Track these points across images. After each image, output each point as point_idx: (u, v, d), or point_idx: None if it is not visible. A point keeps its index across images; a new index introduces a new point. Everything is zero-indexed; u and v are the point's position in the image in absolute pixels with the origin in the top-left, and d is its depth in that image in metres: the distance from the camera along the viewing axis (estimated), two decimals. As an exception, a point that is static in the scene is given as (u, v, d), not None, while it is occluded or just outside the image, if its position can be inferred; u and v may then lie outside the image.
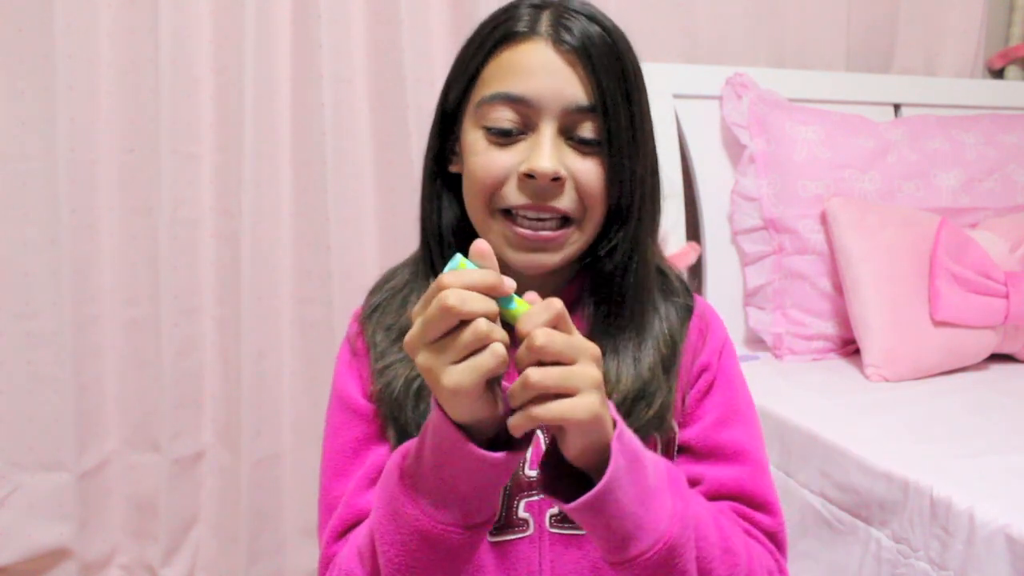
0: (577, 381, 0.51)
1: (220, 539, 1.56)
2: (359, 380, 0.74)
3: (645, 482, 0.56)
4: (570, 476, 0.56)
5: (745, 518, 0.70)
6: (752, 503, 0.71)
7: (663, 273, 0.76)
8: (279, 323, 1.54)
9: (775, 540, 0.71)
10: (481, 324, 0.49)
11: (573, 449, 0.54)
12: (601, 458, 0.54)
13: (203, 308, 1.52)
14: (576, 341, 0.52)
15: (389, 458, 0.62)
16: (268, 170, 1.49)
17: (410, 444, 0.59)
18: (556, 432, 0.54)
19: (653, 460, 0.59)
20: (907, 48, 1.94)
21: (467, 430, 0.53)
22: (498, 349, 0.50)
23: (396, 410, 0.69)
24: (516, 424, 0.52)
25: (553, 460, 0.57)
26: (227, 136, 1.48)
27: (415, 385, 0.68)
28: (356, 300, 0.79)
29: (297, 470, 1.56)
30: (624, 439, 0.55)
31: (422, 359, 0.51)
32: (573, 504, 0.54)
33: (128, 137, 1.46)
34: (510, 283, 0.52)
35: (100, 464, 1.50)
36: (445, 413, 0.53)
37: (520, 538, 0.69)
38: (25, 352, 1.43)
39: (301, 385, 1.56)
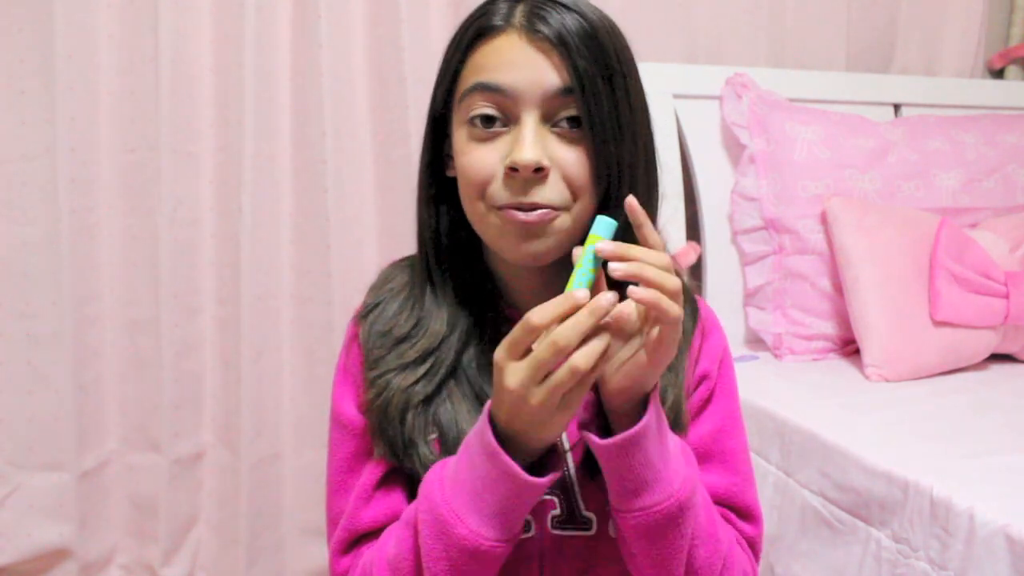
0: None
1: (220, 539, 1.56)
2: (353, 387, 0.74)
3: (667, 443, 0.62)
4: (603, 430, 0.62)
5: (730, 523, 0.73)
6: (739, 512, 0.74)
7: None
8: (279, 323, 1.54)
9: (753, 547, 0.74)
10: (577, 362, 0.55)
11: (613, 385, 0.60)
12: (630, 417, 0.60)
13: (203, 308, 1.52)
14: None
15: (426, 478, 0.65)
16: (268, 170, 1.49)
17: (445, 467, 0.63)
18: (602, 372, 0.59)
19: (672, 434, 0.64)
20: (907, 48, 1.94)
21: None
22: (588, 383, 0.57)
23: (385, 422, 0.69)
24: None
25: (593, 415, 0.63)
26: (227, 136, 1.48)
27: (405, 398, 0.69)
28: (356, 300, 0.79)
29: (297, 470, 1.56)
30: (657, 402, 0.61)
31: (537, 399, 0.56)
32: (608, 440, 0.59)
33: (128, 137, 1.46)
34: (581, 293, 0.56)
35: (100, 464, 1.50)
36: (500, 446, 0.58)
37: (521, 538, 0.69)
38: (25, 352, 1.43)
39: (301, 385, 1.56)
